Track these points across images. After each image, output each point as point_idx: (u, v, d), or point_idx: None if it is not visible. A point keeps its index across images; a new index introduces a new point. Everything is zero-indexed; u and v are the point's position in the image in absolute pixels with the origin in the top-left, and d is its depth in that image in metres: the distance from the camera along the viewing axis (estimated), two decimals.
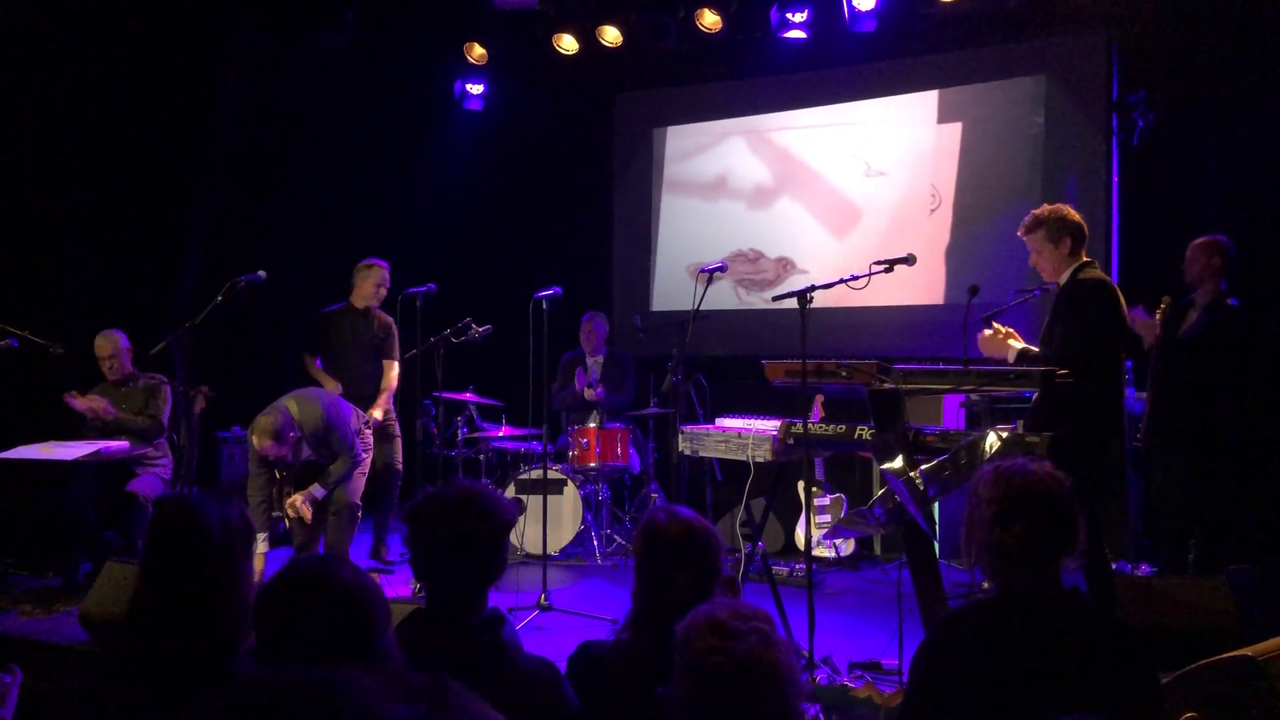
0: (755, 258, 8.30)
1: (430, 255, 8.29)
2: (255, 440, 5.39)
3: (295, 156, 8.38)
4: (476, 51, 8.35)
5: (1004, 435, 3.71)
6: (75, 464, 5.63)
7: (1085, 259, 4.39)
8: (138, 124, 7.23)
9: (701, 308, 5.10)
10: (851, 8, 7.06)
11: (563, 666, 2.43)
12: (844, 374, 4.12)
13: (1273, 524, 5.68)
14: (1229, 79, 6.33)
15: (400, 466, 6.50)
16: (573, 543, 6.73)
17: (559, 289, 5.51)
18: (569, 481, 6.70)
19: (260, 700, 0.83)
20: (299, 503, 5.52)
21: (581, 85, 8.65)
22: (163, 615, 2.15)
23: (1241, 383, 5.26)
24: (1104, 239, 6.89)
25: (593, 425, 6.74)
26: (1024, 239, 4.46)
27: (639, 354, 7.61)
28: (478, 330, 5.90)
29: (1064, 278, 4.38)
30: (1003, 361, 4.31)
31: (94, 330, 6.08)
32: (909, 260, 4.33)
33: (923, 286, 7.36)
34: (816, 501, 6.42)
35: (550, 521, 5.96)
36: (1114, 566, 5.68)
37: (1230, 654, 3.05)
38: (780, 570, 5.96)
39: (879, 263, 4.35)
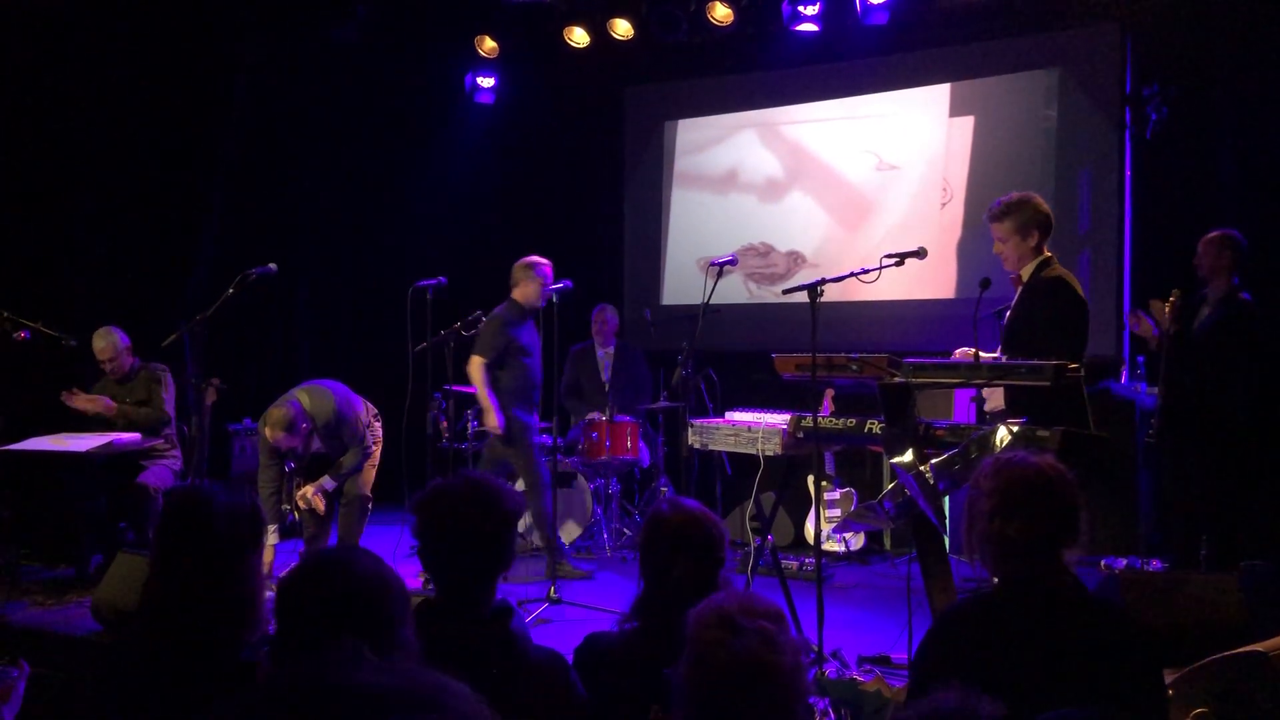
0: (766, 251, 8.29)
1: (440, 248, 8.30)
2: (267, 431, 5.42)
3: (306, 150, 8.39)
4: (487, 45, 8.35)
5: (1015, 429, 3.70)
6: (87, 455, 5.64)
7: (1048, 253, 4.34)
8: (150, 119, 7.27)
9: (712, 301, 5.10)
10: (863, 0, 7.03)
11: (570, 659, 2.44)
12: (854, 368, 4.11)
13: None
14: (1243, 72, 6.29)
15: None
16: (583, 536, 6.74)
17: (569, 282, 5.52)
18: (579, 475, 6.70)
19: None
20: (310, 494, 5.55)
21: (592, 78, 8.64)
22: (174, 606, 2.17)
23: (1255, 377, 5.24)
24: (1117, 232, 6.86)
25: (603, 419, 6.74)
26: (990, 225, 4.36)
27: (649, 348, 7.61)
28: None
29: (1027, 271, 4.32)
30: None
31: (110, 322, 6.08)
32: (920, 254, 4.31)
33: (934, 280, 7.34)
34: (826, 496, 6.41)
35: (560, 515, 5.97)
36: (1125, 562, 5.70)
37: (1241, 649, 3.05)
38: (790, 564, 5.96)
39: (890, 256, 4.33)
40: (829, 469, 6.51)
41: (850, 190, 7.93)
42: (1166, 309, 5.30)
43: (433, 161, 8.83)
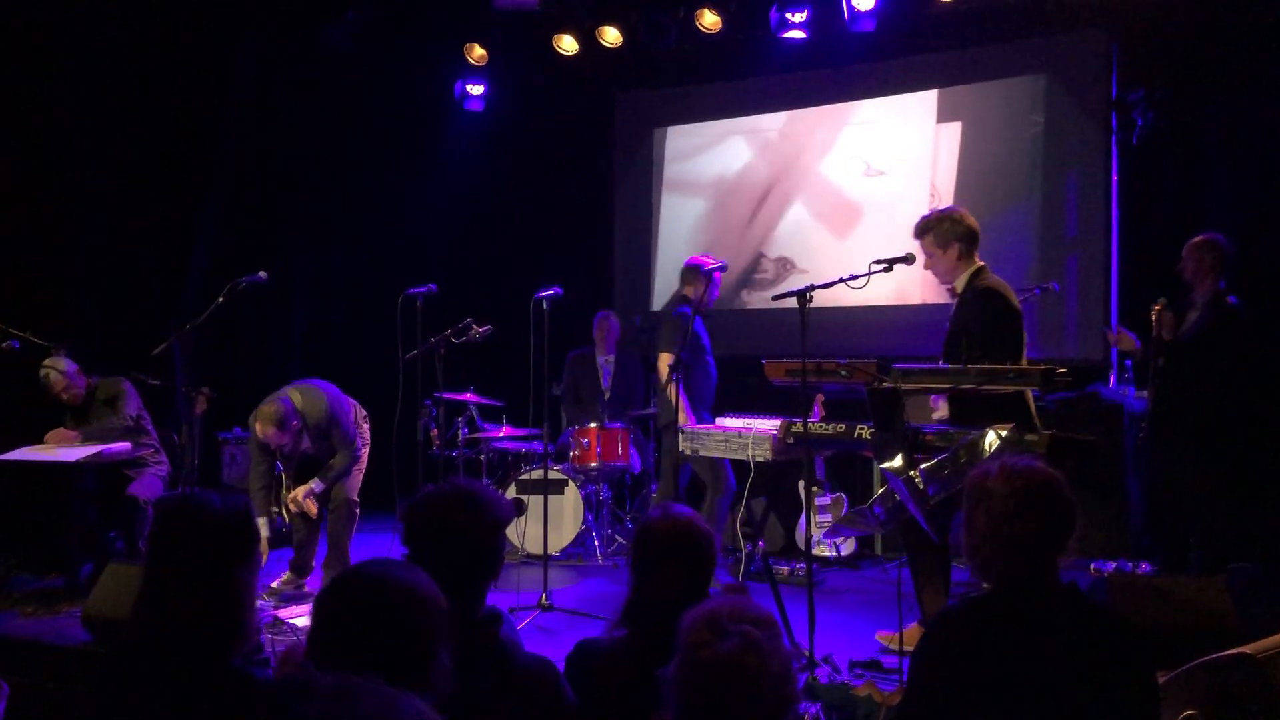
0: (755, 257, 8.31)
1: (431, 255, 8.31)
2: (258, 427, 5.45)
3: (296, 157, 8.39)
4: (477, 52, 8.36)
5: (1003, 434, 3.72)
6: (77, 465, 5.63)
7: (979, 263, 4.41)
8: (142, 125, 7.26)
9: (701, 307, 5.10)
10: (851, 7, 7.06)
11: (561, 665, 2.44)
12: (844, 373, 4.13)
13: (1274, 522, 5.68)
14: (1228, 77, 6.34)
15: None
16: (574, 543, 6.74)
17: (559, 289, 5.52)
18: (570, 481, 6.71)
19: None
20: (300, 497, 5.56)
21: (582, 85, 8.67)
22: (166, 615, 2.16)
23: (1243, 381, 5.27)
24: (1104, 237, 6.90)
25: (594, 425, 6.75)
26: (916, 241, 4.47)
27: (639, 354, 7.62)
28: (478, 330, 5.90)
29: (960, 283, 4.40)
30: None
31: (99, 332, 6.05)
32: (908, 260, 4.34)
33: (922, 286, 7.37)
34: (817, 501, 6.43)
35: (551, 521, 5.97)
36: (1114, 565, 5.72)
37: (1229, 652, 3.06)
38: (781, 569, 5.97)
39: (878, 262, 4.36)
40: (820, 474, 6.52)
41: (839, 196, 7.96)
42: (1152, 316, 5.33)
43: (423, 168, 8.83)
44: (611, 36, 7.95)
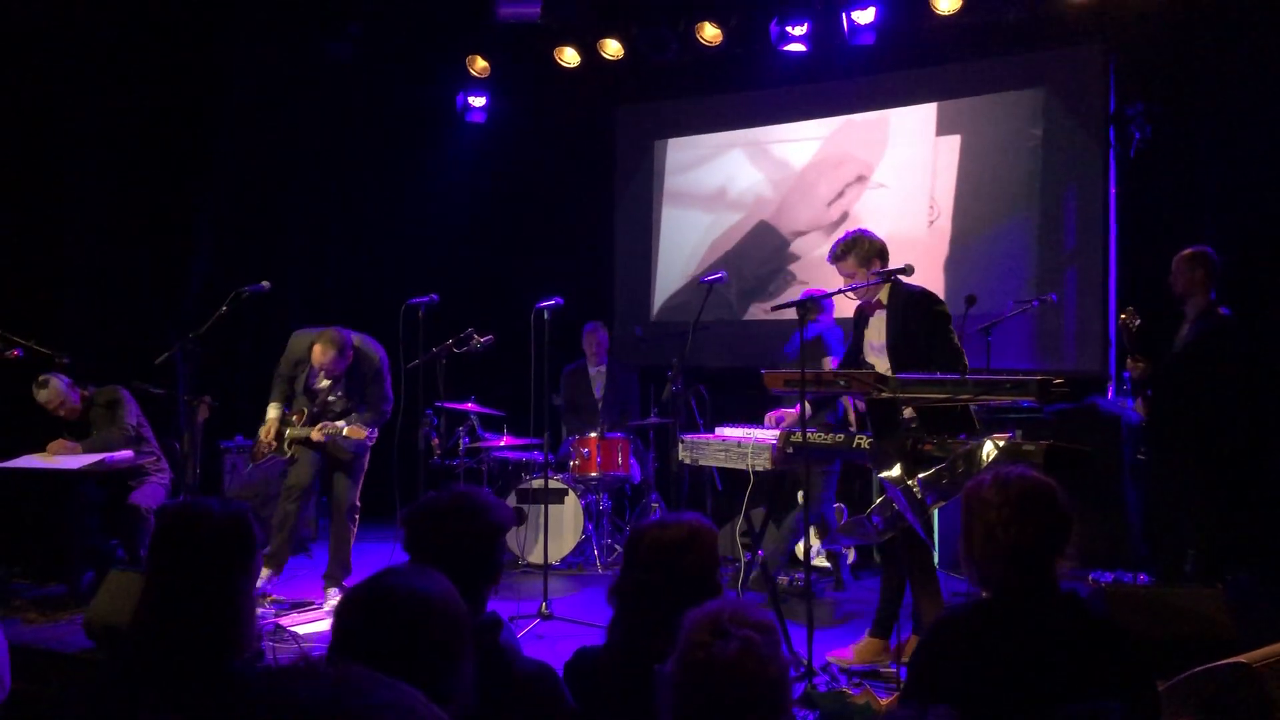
0: (756, 268, 8.34)
1: (432, 266, 8.33)
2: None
3: (298, 166, 8.43)
4: (479, 64, 8.41)
5: (1001, 443, 3.74)
6: (80, 473, 5.66)
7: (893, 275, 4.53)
8: (144, 134, 7.30)
9: (701, 318, 5.13)
10: (851, 21, 7.11)
11: (561, 673, 2.46)
12: (842, 383, 4.16)
13: (1271, 533, 5.70)
14: (1226, 92, 6.38)
15: None
16: (574, 552, 6.75)
17: (560, 299, 5.55)
18: (570, 491, 6.72)
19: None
20: (321, 427, 5.60)
21: (583, 98, 8.71)
22: (168, 620, 2.17)
23: (1237, 391, 5.30)
24: (1102, 251, 6.93)
25: (594, 435, 6.77)
26: (835, 267, 4.62)
27: (640, 364, 7.65)
28: (479, 340, 5.93)
29: (884, 294, 4.53)
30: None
31: (101, 340, 6.07)
32: (906, 271, 4.38)
33: None
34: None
35: (551, 531, 5.98)
36: (1112, 576, 5.74)
37: (1226, 661, 3.07)
38: (780, 579, 5.97)
39: (877, 273, 4.40)
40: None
41: (838, 208, 8.00)
42: (1122, 319, 5.42)
43: (425, 180, 8.87)
44: (613, 49, 8.00)
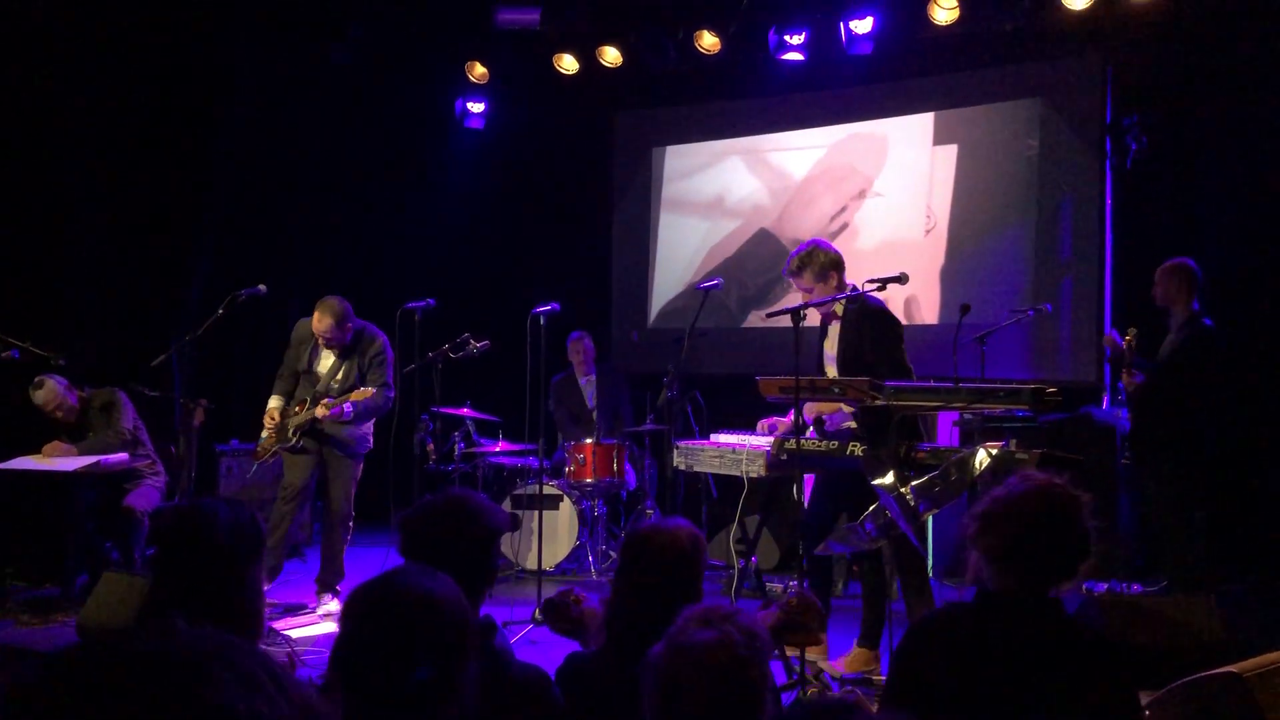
0: (751, 275, 8.36)
1: (429, 271, 8.34)
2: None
3: (296, 171, 8.44)
4: (478, 70, 8.44)
5: (994, 452, 3.76)
6: (75, 475, 5.65)
7: (848, 286, 4.61)
8: (143, 137, 7.30)
9: (701, 325, 5.15)
10: (849, 30, 7.14)
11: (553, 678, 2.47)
12: (836, 390, 4.18)
13: (1259, 541, 5.72)
14: (1222, 103, 6.41)
15: None
16: (568, 558, 6.76)
17: (557, 305, 5.56)
18: (565, 497, 6.73)
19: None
20: (326, 405, 5.56)
21: (581, 105, 8.73)
22: (180, 618, 2.16)
23: (1222, 400, 5.34)
24: (1098, 260, 6.95)
25: (589, 441, 6.77)
26: (792, 281, 4.68)
27: (636, 371, 7.65)
28: (476, 345, 5.93)
29: (840, 306, 4.58)
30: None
31: (99, 341, 6.07)
32: (901, 279, 4.39)
33: (917, 306, 7.42)
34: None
35: (546, 537, 5.99)
36: (1106, 586, 5.75)
37: (1217, 671, 3.08)
38: (774, 586, 5.98)
39: (872, 281, 4.42)
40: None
41: (835, 217, 8.02)
42: (1125, 343, 5.44)
43: (423, 185, 8.89)
44: (611, 56, 8.02)
